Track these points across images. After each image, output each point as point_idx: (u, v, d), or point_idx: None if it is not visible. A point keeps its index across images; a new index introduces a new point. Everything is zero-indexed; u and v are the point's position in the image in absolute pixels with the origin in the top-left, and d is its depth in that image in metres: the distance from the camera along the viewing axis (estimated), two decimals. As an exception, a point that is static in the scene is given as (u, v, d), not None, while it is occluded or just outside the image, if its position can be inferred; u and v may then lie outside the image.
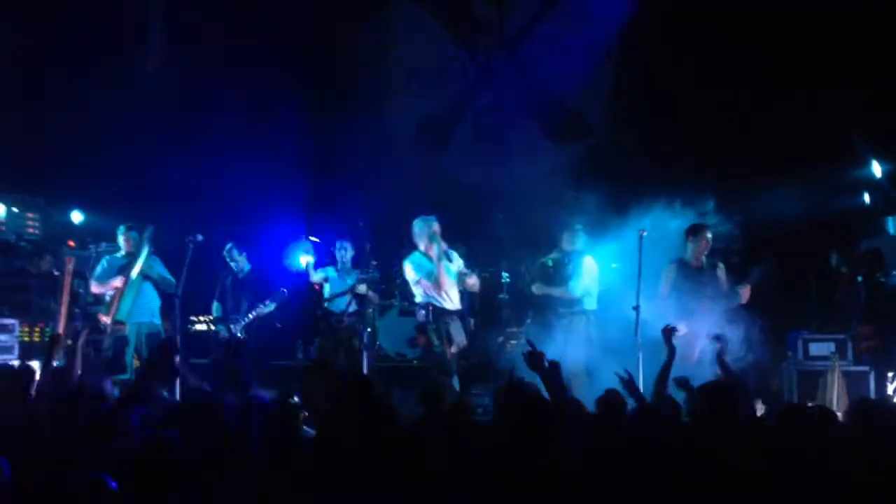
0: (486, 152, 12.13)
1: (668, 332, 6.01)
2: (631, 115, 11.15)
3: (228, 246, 9.18)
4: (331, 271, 9.24)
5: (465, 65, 12.34)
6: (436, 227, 8.30)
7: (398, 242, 9.35)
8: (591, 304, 8.43)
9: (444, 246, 8.26)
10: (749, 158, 9.79)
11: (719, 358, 5.82)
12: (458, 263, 8.41)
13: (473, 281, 8.52)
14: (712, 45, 10.48)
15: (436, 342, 8.15)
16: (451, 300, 8.33)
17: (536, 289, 8.62)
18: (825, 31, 9.82)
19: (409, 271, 8.33)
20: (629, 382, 5.47)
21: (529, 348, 5.17)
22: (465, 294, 10.45)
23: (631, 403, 5.20)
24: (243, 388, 6.17)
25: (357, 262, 9.12)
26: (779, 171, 9.59)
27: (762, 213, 9.32)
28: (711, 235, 8.00)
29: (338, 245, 9.23)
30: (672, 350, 5.84)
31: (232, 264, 9.15)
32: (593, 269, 8.47)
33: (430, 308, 8.19)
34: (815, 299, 9.05)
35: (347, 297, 8.92)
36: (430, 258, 8.26)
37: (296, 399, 5.12)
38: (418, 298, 8.31)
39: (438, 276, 8.17)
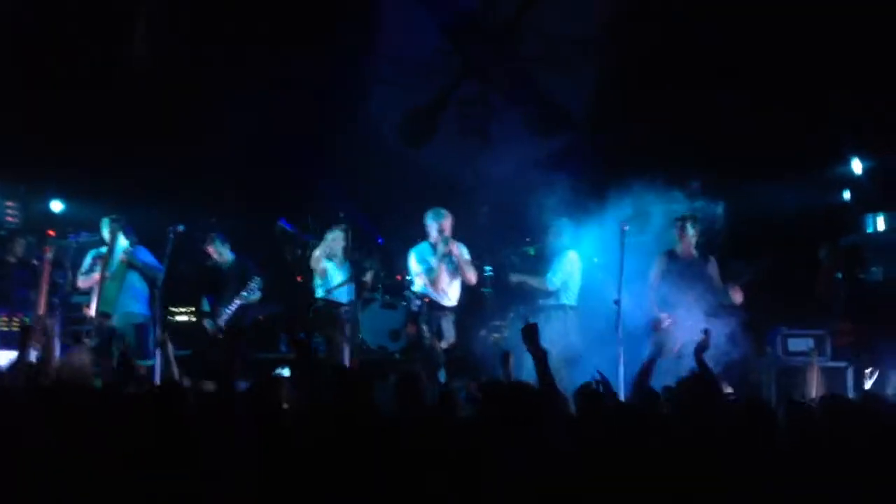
0: (471, 144, 12.13)
1: (655, 325, 6.00)
2: (616, 109, 11.16)
3: (211, 237, 9.14)
4: (330, 261, 9.02)
5: (449, 57, 12.32)
6: (445, 222, 8.33)
7: (379, 234, 9.37)
8: (569, 299, 8.43)
9: (452, 244, 8.29)
10: (731, 156, 9.83)
11: (697, 352, 5.83)
12: (465, 255, 8.44)
13: (472, 276, 8.52)
14: (698, 40, 10.51)
15: (426, 334, 8.18)
16: (448, 297, 8.40)
17: (514, 277, 8.67)
18: (808, 28, 9.86)
19: (413, 262, 8.43)
20: (604, 384, 5.44)
21: (527, 321, 5.19)
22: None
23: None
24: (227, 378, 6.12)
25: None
26: (760, 168, 9.63)
27: (743, 210, 9.37)
28: (693, 229, 8.04)
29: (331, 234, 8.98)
30: (657, 345, 5.82)
31: (214, 257, 9.11)
32: (575, 263, 8.49)
33: (426, 300, 8.24)
34: (794, 295, 9.10)
35: (346, 288, 8.85)
36: (434, 252, 8.32)
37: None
38: (416, 287, 8.37)
39: (437, 276, 8.25)
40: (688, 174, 9.01)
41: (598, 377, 5.46)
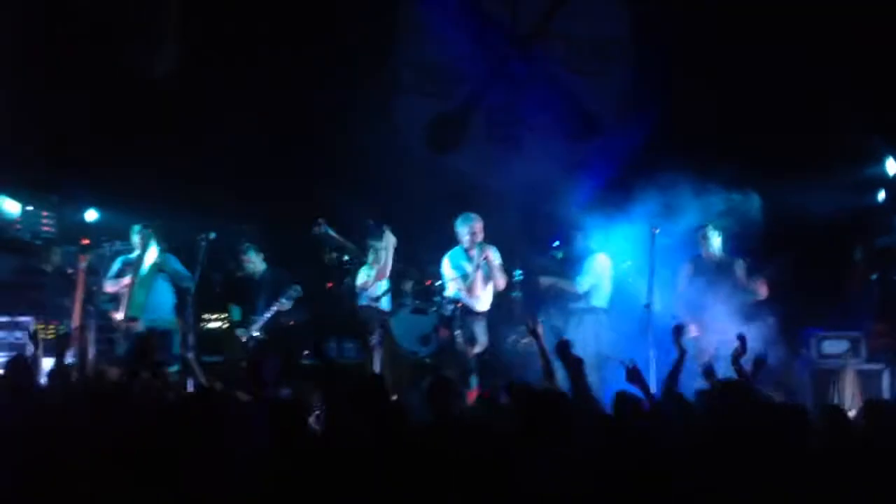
0: (499, 150, 12.12)
1: (678, 330, 5.99)
2: (644, 114, 11.11)
3: (245, 247, 9.22)
4: (371, 269, 8.95)
5: (476, 63, 12.32)
6: (476, 226, 8.34)
7: (409, 243, 9.37)
8: (600, 302, 8.41)
9: (486, 250, 8.29)
10: (764, 157, 9.74)
11: (735, 358, 5.78)
12: (497, 260, 8.45)
13: (502, 281, 8.53)
14: (726, 43, 10.44)
15: (459, 339, 8.19)
16: (481, 301, 8.40)
17: (545, 280, 8.68)
18: (840, 28, 9.77)
19: (447, 268, 8.44)
20: (634, 372, 5.42)
21: (559, 336, 5.21)
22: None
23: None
24: (260, 386, 6.16)
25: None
26: (794, 168, 9.54)
27: (777, 211, 9.28)
28: (714, 233, 8.02)
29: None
30: (682, 350, 5.81)
31: (248, 266, 9.20)
32: (604, 266, 8.47)
33: (460, 305, 8.25)
34: (828, 296, 9.01)
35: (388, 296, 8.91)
36: (470, 259, 8.32)
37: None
38: (449, 292, 8.37)
39: (473, 281, 8.26)
40: (720, 175, 8.93)
41: (629, 365, 5.44)
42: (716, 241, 8.08)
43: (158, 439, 4.21)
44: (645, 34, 11.47)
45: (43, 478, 3.98)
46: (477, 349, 8.32)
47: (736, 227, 8.46)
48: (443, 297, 8.52)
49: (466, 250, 8.43)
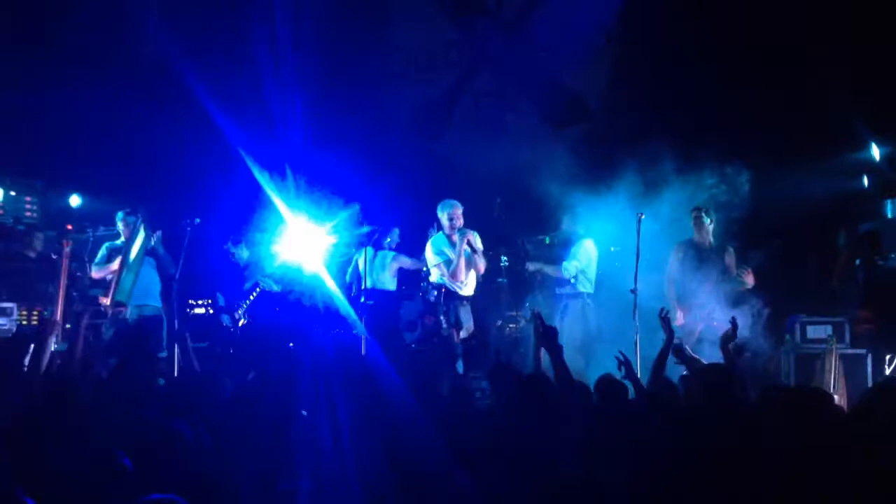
0: (486, 135, 12.11)
1: (665, 317, 6.01)
2: (630, 99, 11.11)
3: (230, 241, 9.24)
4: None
5: (463, 49, 12.29)
6: (455, 212, 8.33)
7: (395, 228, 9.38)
8: (587, 287, 8.43)
9: (468, 235, 8.29)
10: (748, 142, 9.77)
11: (724, 342, 5.78)
12: (478, 245, 8.46)
13: (482, 266, 8.54)
14: (711, 28, 10.45)
15: (444, 325, 8.20)
16: (467, 287, 8.41)
17: (531, 265, 8.69)
18: (826, 13, 9.78)
19: (430, 253, 8.44)
20: (626, 364, 5.49)
21: (541, 322, 5.22)
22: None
23: (630, 388, 5.23)
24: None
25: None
26: (778, 154, 9.57)
27: (761, 196, 9.31)
28: (709, 218, 8.04)
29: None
30: (671, 333, 5.84)
31: (235, 257, 9.21)
32: (591, 251, 8.49)
33: (443, 290, 8.25)
34: (813, 282, 9.05)
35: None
36: (452, 245, 8.32)
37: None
38: (433, 278, 8.38)
39: (456, 267, 8.25)
40: (705, 161, 8.95)
41: (621, 358, 5.48)
42: (709, 225, 8.09)
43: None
44: (631, 19, 11.44)
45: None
46: (462, 334, 8.33)
47: (725, 203, 8.50)
48: (427, 283, 8.53)
49: (448, 236, 8.44)
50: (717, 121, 10.23)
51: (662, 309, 6.09)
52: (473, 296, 8.63)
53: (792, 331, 8.22)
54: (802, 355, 8.04)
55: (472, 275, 8.54)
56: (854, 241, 8.86)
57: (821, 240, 9.38)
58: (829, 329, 7.99)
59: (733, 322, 5.88)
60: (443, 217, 8.45)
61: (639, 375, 6.83)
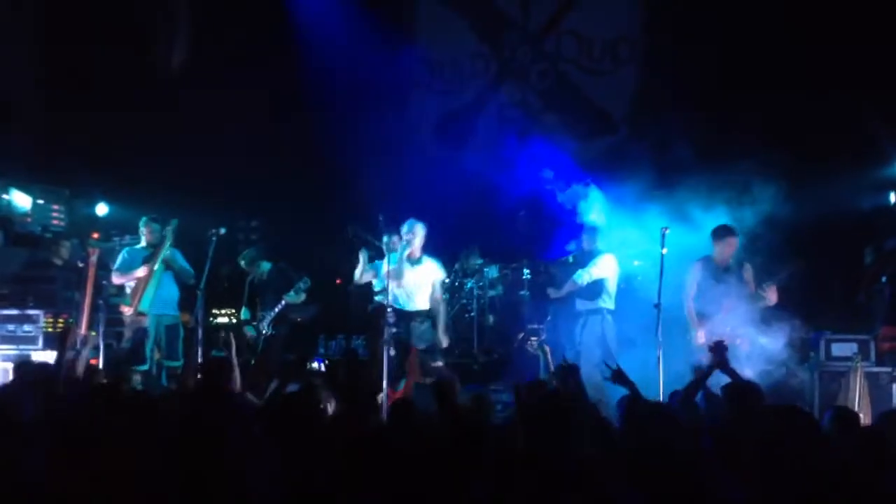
0: (510, 147, 12.11)
1: (718, 346, 5.80)
2: (656, 112, 11.09)
3: (244, 254, 9.30)
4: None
5: (488, 61, 12.33)
6: (406, 232, 8.13)
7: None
8: (607, 303, 8.33)
9: (416, 252, 8.15)
10: (774, 157, 9.72)
11: (721, 365, 5.66)
12: (434, 273, 8.29)
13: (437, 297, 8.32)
14: (737, 42, 10.42)
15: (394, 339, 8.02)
16: (415, 302, 8.20)
17: (553, 293, 8.57)
18: (852, 27, 9.72)
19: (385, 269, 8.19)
20: (618, 374, 5.42)
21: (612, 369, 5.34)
22: (484, 292, 10.48)
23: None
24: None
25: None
26: (804, 170, 9.50)
27: (787, 213, 9.25)
28: (737, 239, 7.92)
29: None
30: (717, 362, 5.67)
31: (251, 272, 9.27)
32: (611, 265, 8.38)
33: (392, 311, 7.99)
34: (838, 299, 8.97)
35: None
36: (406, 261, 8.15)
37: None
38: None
39: (399, 279, 8.09)
40: (730, 175, 8.90)
41: (612, 367, 5.45)
42: (733, 244, 7.93)
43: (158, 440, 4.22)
44: (656, 32, 11.43)
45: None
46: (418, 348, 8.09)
47: (749, 218, 8.40)
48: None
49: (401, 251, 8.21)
50: (743, 135, 10.18)
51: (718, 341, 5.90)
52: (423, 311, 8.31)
53: (816, 348, 8.14)
54: (826, 373, 7.96)
55: (424, 291, 8.32)
56: (880, 257, 8.78)
57: (847, 256, 9.30)
58: (854, 347, 7.91)
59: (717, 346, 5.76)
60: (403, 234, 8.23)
61: (661, 391, 6.84)
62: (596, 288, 8.30)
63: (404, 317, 8.09)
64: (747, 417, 4.52)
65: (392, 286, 8.05)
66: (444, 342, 8.29)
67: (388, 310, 7.85)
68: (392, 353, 7.76)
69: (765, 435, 3.88)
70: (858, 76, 9.68)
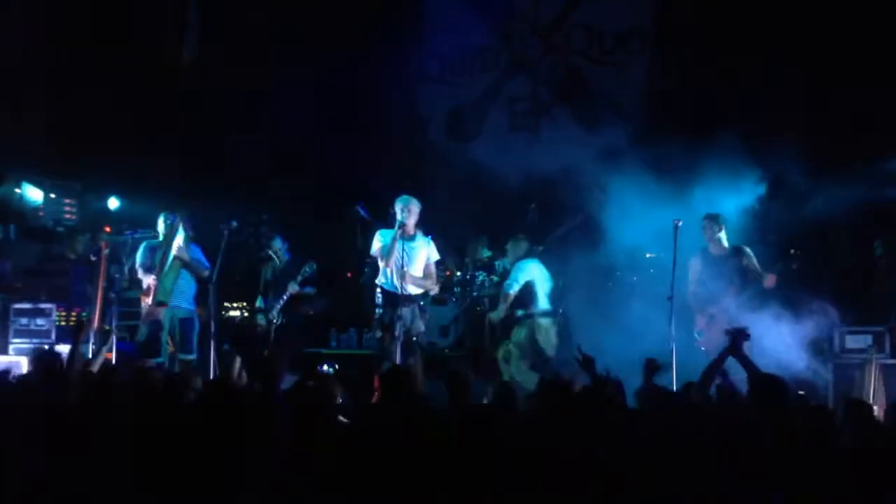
0: (520, 140, 12.09)
1: (738, 334, 5.79)
2: (666, 105, 11.04)
3: (273, 237, 9.29)
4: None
5: (498, 53, 12.30)
6: (402, 206, 8.06)
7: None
8: (536, 307, 8.80)
9: (409, 230, 8.07)
10: (788, 151, 9.68)
11: (736, 352, 5.65)
12: (427, 251, 8.24)
13: (431, 283, 8.32)
14: (750, 35, 10.36)
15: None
16: (407, 285, 8.09)
17: (495, 315, 9.05)
18: (867, 20, 9.67)
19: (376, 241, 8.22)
20: (586, 360, 5.51)
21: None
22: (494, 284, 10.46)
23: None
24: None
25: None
26: (819, 162, 9.46)
27: (798, 205, 9.22)
28: (717, 226, 7.95)
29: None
30: (733, 348, 5.66)
31: (275, 258, 9.25)
32: (532, 272, 8.82)
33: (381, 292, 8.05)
34: (853, 291, 8.93)
35: None
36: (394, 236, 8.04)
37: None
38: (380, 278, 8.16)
39: (389, 256, 8.01)
40: (741, 168, 8.88)
41: (579, 357, 5.51)
42: (718, 233, 8.01)
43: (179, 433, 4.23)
44: (666, 24, 11.38)
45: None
46: (409, 334, 8.07)
47: (760, 210, 8.44)
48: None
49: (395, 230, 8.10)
50: (753, 129, 10.14)
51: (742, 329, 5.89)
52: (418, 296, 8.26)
53: (830, 340, 8.11)
54: (841, 365, 7.93)
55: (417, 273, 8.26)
56: (893, 249, 8.73)
57: (862, 248, 9.26)
58: (868, 339, 7.88)
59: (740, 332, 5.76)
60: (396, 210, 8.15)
61: (674, 382, 6.82)
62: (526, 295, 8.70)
63: (392, 300, 8.00)
64: (771, 413, 4.49)
65: (382, 265, 8.02)
66: (421, 327, 8.24)
67: (377, 291, 7.89)
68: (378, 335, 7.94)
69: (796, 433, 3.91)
70: (877, 68, 9.63)
